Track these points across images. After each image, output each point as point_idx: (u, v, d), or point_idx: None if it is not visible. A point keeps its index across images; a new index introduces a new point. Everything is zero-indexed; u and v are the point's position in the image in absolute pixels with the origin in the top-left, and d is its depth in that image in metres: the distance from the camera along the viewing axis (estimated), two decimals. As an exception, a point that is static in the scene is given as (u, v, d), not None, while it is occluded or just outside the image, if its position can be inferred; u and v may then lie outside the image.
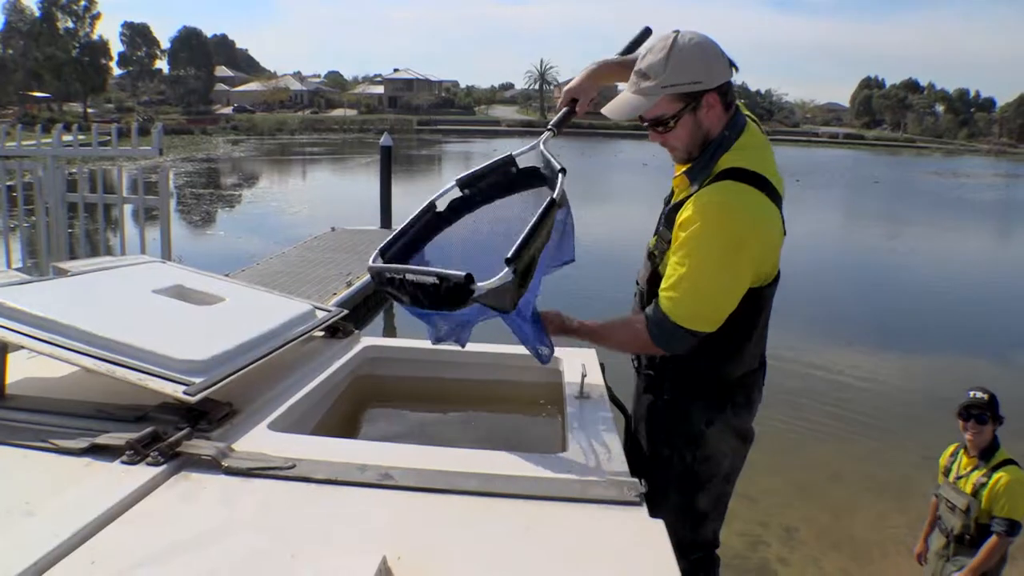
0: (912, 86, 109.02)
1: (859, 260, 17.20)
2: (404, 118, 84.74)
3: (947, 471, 3.69)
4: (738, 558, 4.61)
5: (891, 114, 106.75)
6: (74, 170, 6.33)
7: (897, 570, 4.61)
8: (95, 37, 74.52)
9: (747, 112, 2.07)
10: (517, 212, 2.09)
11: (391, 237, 2.04)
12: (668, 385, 2.10)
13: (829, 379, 8.29)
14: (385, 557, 1.24)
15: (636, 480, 1.58)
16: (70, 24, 72.87)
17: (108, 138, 6.59)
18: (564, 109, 2.26)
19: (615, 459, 1.75)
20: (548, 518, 1.45)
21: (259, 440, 1.74)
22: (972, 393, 3.54)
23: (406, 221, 2.08)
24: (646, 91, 1.88)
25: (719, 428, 2.07)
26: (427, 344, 2.69)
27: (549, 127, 2.22)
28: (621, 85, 2.10)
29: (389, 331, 10.24)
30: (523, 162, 2.15)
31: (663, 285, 1.92)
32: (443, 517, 1.45)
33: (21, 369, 2.06)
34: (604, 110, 1.99)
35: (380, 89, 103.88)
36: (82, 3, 72.86)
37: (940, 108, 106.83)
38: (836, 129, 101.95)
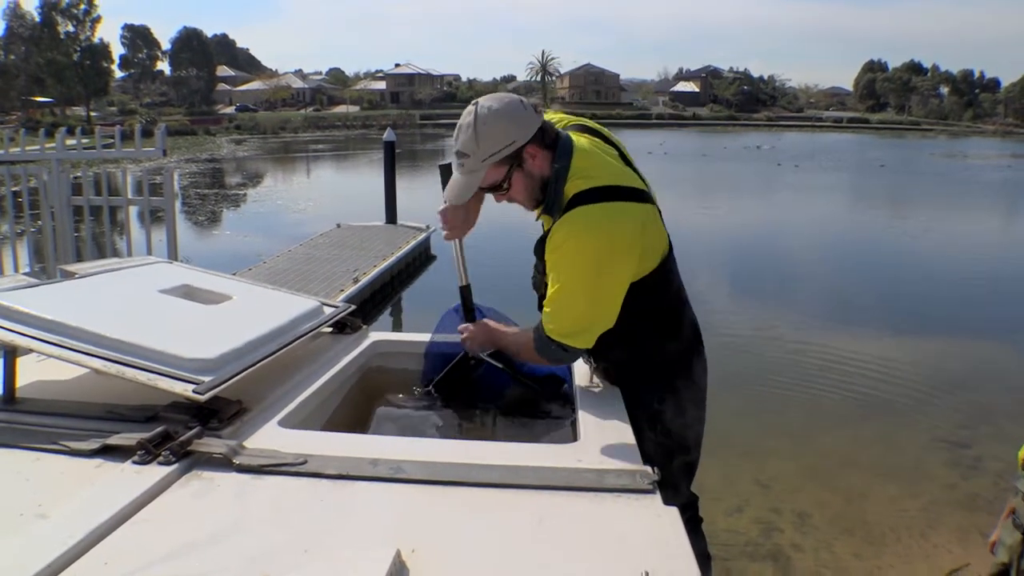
0: (916, 68, 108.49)
1: (866, 242, 17.12)
2: (407, 113, 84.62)
3: None
4: (751, 545, 4.60)
5: (895, 97, 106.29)
6: (78, 173, 6.33)
7: (910, 553, 4.60)
8: (96, 40, 74.56)
9: (578, 121, 2.21)
10: None
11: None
12: (616, 374, 2.23)
13: (839, 362, 8.26)
14: (399, 550, 1.23)
15: (649, 468, 1.58)
16: (71, 28, 72.91)
17: (112, 141, 6.59)
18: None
19: (627, 448, 1.75)
20: (561, 508, 1.45)
21: (270, 437, 1.74)
22: None
23: None
24: (470, 168, 2.01)
25: (672, 403, 2.21)
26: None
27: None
28: None
29: (397, 326, 10.25)
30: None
31: (544, 301, 2.05)
32: (456, 509, 1.45)
33: (31, 372, 2.07)
34: (446, 197, 2.13)
35: (382, 85, 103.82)
36: (82, 7, 72.87)
37: (944, 90, 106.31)
38: (840, 113, 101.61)
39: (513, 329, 2.28)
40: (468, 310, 2.43)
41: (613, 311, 2.01)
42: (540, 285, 2.17)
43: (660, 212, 2.19)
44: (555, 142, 2.05)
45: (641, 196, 2.05)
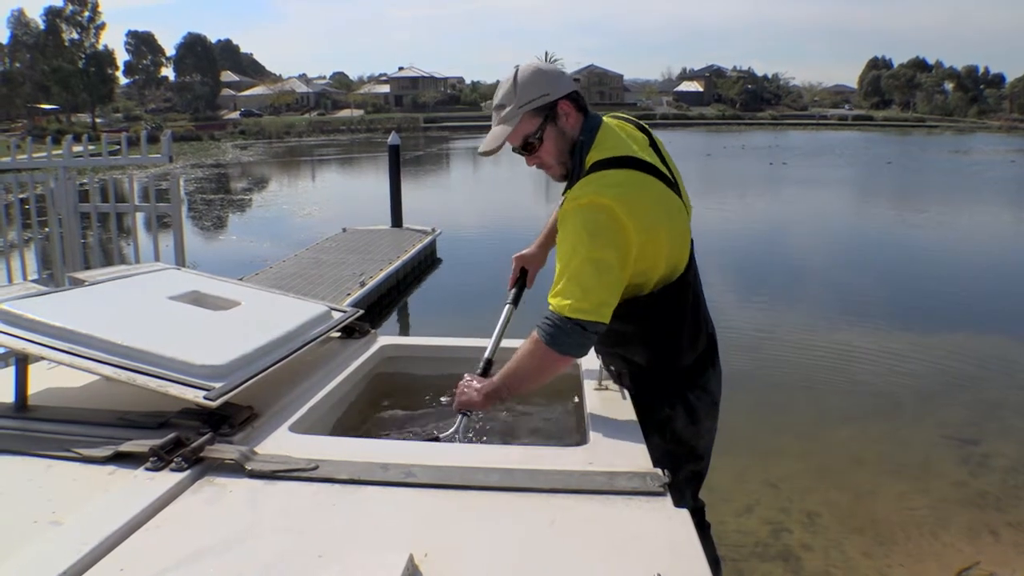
0: (920, 65, 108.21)
1: (874, 238, 17.07)
2: (411, 116, 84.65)
3: None
4: (761, 545, 4.59)
5: (900, 94, 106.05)
6: (85, 180, 6.35)
7: (920, 552, 4.59)
8: (100, 47, 74.96)
9: (620, 116, 2.25)
10: None
11: None
12: (630, 380, 2.24)
13: (847, 359, 8.24)
14: (412, 555, 1.24)
15: (659, 470, 1.58)
16: (75, 35, 73.33)
17: (118, 147, 6.61)
18: (516, 281, 2.51)
19: (636, 450, 1.75)
20: (572, 511, 1.45)
21: (281, 442, 1.75)
22: None
23: None
24: (507, 117, 2.08)
25: (682, 412, 2.22)
26: (444, 341, 2.71)
27: (509, 302, 2.45)
28: None
29: (405, 329, 10.24)
30: None
31: (554, 280, 1.99)
32: (467, 513, 1.45)
33: (42, 380, 2.07)
34: (480, 151, 2.15)
35: (386, 88, 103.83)
36: (86, 14, 73.28)
37: (949, 86, 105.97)
38: (845, 111, 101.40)
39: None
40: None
41: (618, 281, 1.94)
42: None
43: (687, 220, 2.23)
44: (586, 112, 2.12)
45: (667, 181, 2.09)
